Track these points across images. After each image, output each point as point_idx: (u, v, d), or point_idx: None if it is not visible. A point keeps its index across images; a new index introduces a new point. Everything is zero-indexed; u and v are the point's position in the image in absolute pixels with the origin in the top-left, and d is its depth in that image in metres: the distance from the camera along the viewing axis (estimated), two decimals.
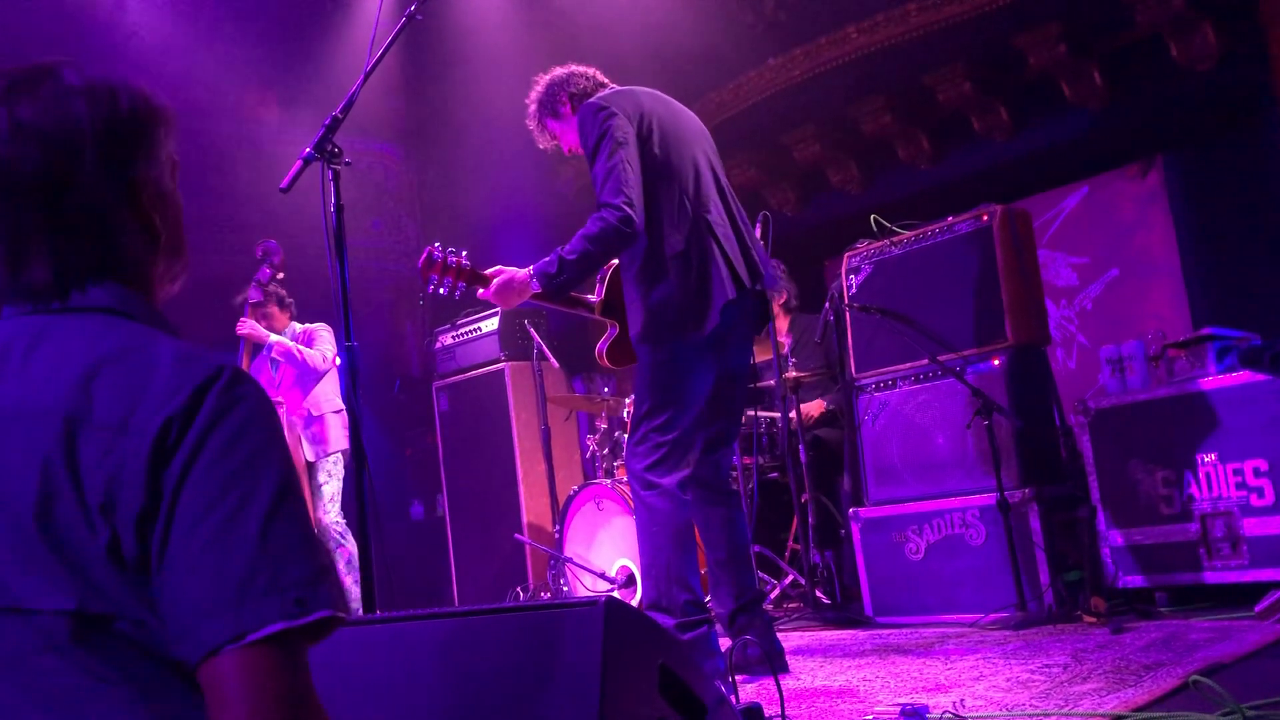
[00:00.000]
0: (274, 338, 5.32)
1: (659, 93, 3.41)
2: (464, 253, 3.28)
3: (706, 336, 3.15)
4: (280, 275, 5.26)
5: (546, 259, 3.15)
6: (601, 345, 3.50)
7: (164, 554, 0.95)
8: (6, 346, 1.05)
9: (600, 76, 3.45)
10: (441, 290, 3.25)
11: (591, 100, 3.24)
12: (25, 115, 1.06)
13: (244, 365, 5.19)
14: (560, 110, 3.41)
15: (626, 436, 3.26)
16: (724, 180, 3.40)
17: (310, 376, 5.42)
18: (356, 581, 4.86)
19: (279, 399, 5.30)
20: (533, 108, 3.47)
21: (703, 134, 3.43)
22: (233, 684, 0.92)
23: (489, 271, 3.26)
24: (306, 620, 0.94)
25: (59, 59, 1.12)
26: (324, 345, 5.47)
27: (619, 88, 3.38)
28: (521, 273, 3.19)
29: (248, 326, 5.19)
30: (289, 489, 0.99)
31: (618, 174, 3.09)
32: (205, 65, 6.30)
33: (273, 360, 5.40)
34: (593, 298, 3.55)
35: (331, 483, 5.41)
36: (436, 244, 3.29)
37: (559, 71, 3.44)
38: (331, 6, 6.85)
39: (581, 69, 3.45)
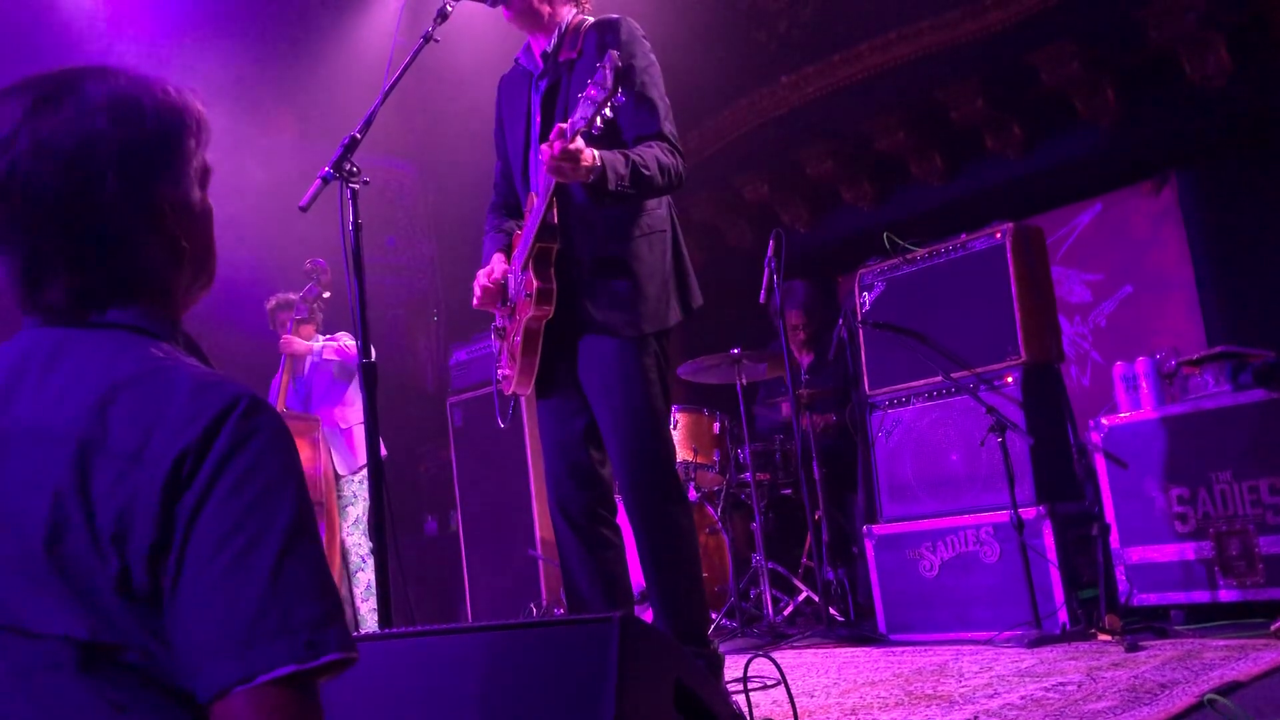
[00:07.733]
0: (321, 341, 5.38)
1: None
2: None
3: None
4: (327, 294, 5.32)
5: (611, 155, 2.50)
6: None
7: (176, 588, 0.94)
8: (24, 360, 1.04)
9: None
10: None
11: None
12: (46, 134, 1.03)
13: (283, 381, 5.29)
14: None
15: (622, 445, 2.79)
16: None
17: (343, 379, 5.42)
18: (374, 610, 4.84)
19: (316, 415, 5.31)
20: None
21: None
22: None
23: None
24: (316, 664, 0.94)
25: (89, 66, 1.09)
26: (347, 341, 5.47)
27: None
28: (590, 152, 2.46)
29: (291, 343, 5.27)
30: (303, 525, 0.97)
31: (673, 120, 2.69)
32: (205, 81, 6.32)
33: (317, 365, 5.40)
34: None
35: (358, 504, 5.35)
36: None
37: None
38: (340, 23, 6.85)
39: None
